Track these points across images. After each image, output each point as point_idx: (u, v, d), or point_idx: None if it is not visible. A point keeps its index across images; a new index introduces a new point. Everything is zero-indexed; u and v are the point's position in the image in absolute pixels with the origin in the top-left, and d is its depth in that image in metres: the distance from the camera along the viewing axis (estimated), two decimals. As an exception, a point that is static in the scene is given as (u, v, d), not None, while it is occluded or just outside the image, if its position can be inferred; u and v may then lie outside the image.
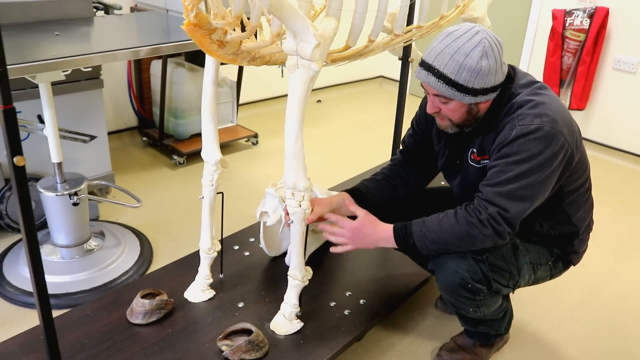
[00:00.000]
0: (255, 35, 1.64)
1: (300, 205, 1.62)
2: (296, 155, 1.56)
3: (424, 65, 1.52)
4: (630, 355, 2.05)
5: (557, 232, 1.69)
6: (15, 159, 1.14)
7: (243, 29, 1.54)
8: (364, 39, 1.69)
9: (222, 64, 1.69)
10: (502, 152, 1.51)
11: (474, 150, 1.64)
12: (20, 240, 2.45)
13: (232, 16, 1.43)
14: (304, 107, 1.51)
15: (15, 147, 1.14)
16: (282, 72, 1.78)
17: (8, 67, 1.72)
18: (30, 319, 2.03)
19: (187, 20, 1.35)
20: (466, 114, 1.56)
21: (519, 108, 1.52)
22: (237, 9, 1.42)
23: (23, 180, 1.18)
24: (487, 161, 1.59)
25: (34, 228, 1.24)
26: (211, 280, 1.92)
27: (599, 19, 3.59)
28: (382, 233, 1.66)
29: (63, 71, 1.91)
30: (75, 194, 2.17)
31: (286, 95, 4.83)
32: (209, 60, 1.68)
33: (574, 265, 1.82)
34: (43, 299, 1.35)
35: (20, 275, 2.21)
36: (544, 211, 1.64)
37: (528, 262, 1.67)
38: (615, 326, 2.20)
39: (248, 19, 1.51)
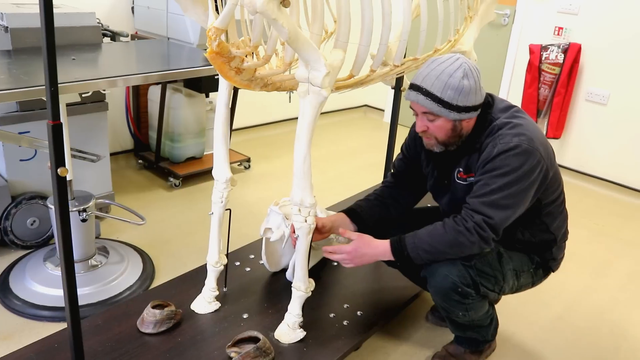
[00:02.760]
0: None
1: (306, 221, 1.74)
2: (304, 174, 1.69)
3: (413, 86, 1.71)
4: (608, 364, 2.21)
5: (537, 239, 1.87)
6: (59, 170, 1.26)
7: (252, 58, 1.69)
8: (365, 70, 1.85)
9: (234, 89, 1.83)
10: (485, 167, 1.69)
11: (460, 169, 1.82)
12: (25, 255, 2.52)
13: (250, 45, 1.58)
14: (313, 130, 1.65)
15: (59, 159, 1.26)
16: (290, 97, 1.92)
17: (39, 87, 1.85)
18: (38, 331, 2.10)
19: (209, 49, 1.50)
20: (451, 131, 1.74)
21: (499, 129, 1.72)
22: (255, 39, 1.56)
23: (64, 190, 1.29)
24: (473, 178, 1.76)
25: (69, 237, 1.35)
26: (217, 293, 2.02)
27: (572, 54, 3.84)
28: (379, 248, 1.81)
29: (84, 93, 2.02)
30: (84, 210, 2.26)
31: (277, 121, 4.96)
32: (223, 85, 1.81)
33: (553, 272, 1.98)
34: (74, 308, 1.44)
35: (27, 288, 2.28)
36: (525, 221, 1.81)
37: (512, 268, 1.84)
38: (593, 338, 2.35)
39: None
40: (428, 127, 1.75)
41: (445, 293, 1.76)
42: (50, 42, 1.17)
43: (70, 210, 2.24)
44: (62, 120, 2.11)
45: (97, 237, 2.72)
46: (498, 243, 1.80)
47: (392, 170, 2.13)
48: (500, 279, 1.80)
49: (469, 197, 1.72)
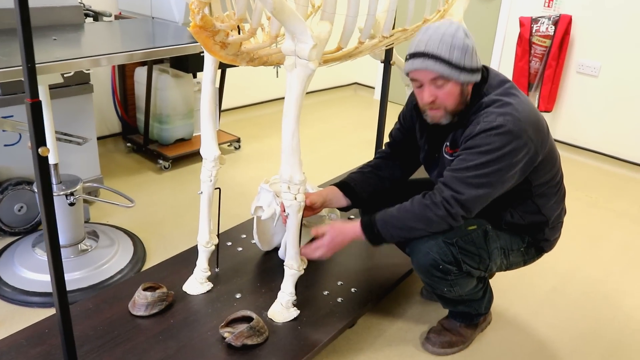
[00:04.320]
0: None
1: (295, 198, 1.71)
2: (292, 151, 1.66)
3: (416, 54, 1.63)
4: (603, 335, 2.20)
5: (527, 221, 1.83)
6: (40, 150, 1.21)
7: (238, 33, 1.64)
8: (353, 41, 1.81)
9: (220, 65, 1.78)
10: (467, 144, 1.66)
11: (447, 144, 1.79)
12: (14, 241, 2.48)
13: (235, 19, 1.53)
14: (301, 105, 1.61)
15: (40, 139, 1.22)
16: (277, 72, 1.88)
17: (18, 68, 1.80)
18: (29, 317, 2.07)
19: (193, 23, 1.45)
20: (459, 96, 1.68)
21: (486, 107, 1.67)
22: (239, 12, 1.52)
23: (46, 171, 1.25)
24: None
25: (54, 219, 1.31)
26: (209, 274, 1.99)
27: (563, 26, 3.80)
28: (351, 231, 1.80)
29: (66, 73, 1.97)
30: (72, 194, 2.22)
31: (266, 101, 4.91)
32: (209, 62, 1.77)
33: (546, 252, 1.96)
34: (61, 292, 1.40)
35: (16, 275, 2.25)
36: (514, 202, 1.79)
37: (499, 247, 1.81)
38: (587, 309, 2.35)
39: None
40: (437, 96, 1.67)
41: (427, 270, 1.74)
42: (24, 15, 1.12)
43: (57, 194, 2.22)
44: (44, 101, 2.07)
45: (86, 222, 2.69)
46: (486, 221, 1.78)
47: (389, 140, 2.10)
48: (485, 257, 1.77)
49: (446, 170, 1.70)
